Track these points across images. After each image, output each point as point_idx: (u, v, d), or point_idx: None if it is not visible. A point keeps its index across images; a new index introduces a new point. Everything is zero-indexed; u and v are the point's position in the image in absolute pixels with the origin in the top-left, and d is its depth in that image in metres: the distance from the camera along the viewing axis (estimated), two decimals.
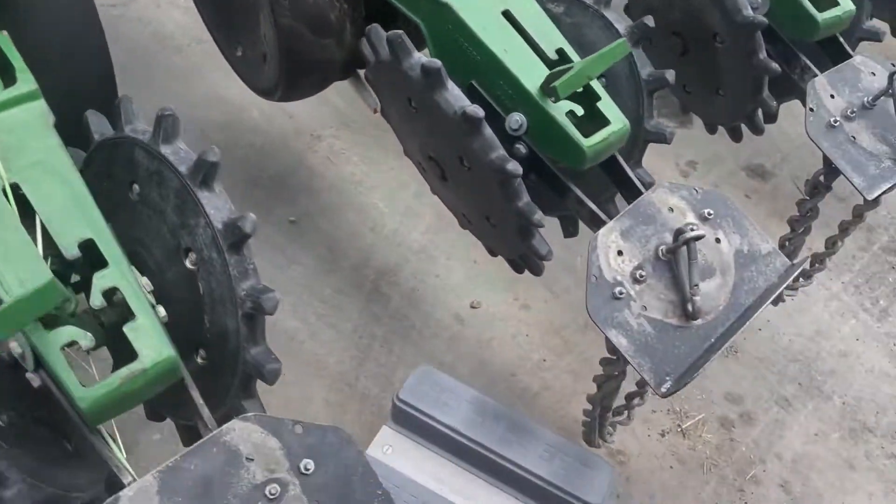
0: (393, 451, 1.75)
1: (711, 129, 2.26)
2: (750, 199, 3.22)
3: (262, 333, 1.28)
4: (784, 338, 2.71)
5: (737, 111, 2.08)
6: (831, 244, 2.32)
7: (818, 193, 1.96)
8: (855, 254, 3.01)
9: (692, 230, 1.55)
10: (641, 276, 1.59)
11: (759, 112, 2.05)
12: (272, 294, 1.23)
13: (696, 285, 1.55)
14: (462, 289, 2.75)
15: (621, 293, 1.56)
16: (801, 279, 2.43)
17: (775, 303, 2.42)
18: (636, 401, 2.13)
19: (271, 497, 1.16)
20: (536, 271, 1.82)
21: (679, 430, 2.44)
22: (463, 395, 1.76)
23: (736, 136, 2.19)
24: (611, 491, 1.67)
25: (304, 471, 1.19)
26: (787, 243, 2.09)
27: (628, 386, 2.15)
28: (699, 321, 1.59)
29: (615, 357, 1.64)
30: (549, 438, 1.71)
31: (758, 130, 2.09)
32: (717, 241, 1.67)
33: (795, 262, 1.62)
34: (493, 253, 2.04)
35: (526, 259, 1.80)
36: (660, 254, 1.62)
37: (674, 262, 1.60)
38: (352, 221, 2.92)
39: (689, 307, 1.56)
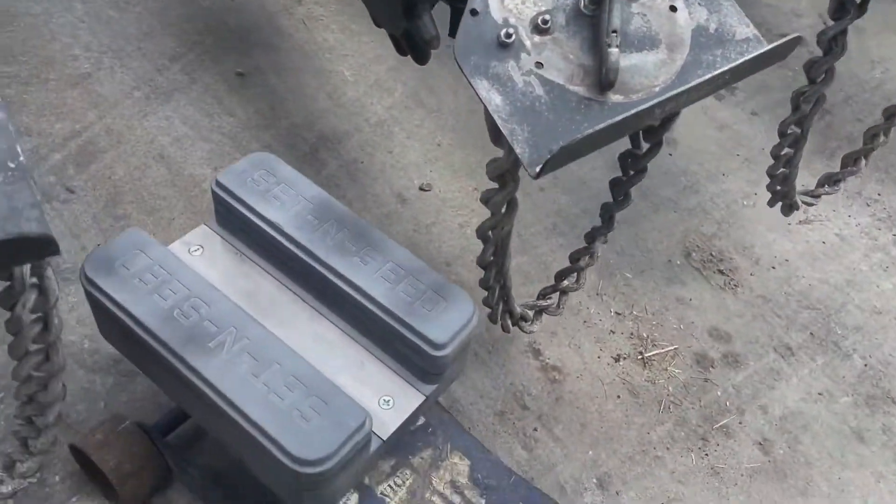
0: (202, 254, 1.31)
1: None
2: None
3: None
4: (802, 281, 2.14)
5: None
6: (870, 137, 1.76)
7: (845, 14, 1.42)
8: None
9: None
10: (546, 23, 1.11)
11: None
12: None
13: (615, 32, 1.06)
14: (415, 169, 2.31)
15: (509, 37, 1.09)
16: (825, 186, 1.87)
17: (787, 212, 1.87)
18: (567, 281, 1.63)
19: None
20: (421, 58, 1.37)
21: (640, 357, 1.91)
22: (304, 192, 1.31)
23: None
24: (468, 334, 1.18)
25: None
26: (800, 99, 1.56)
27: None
28: (618, 97, 1.09)
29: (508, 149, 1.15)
30: (402, 258, 1.23)
31: None
32: (673, 9, 1.17)
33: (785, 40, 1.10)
34: (377, 23, 1.61)
35: (410, 34, 1.34)
36: (583, 5, 1.14)
37: (600, 17, 1.11)
38: (308, 84, 2.51)
39: (603, 67, 1.07)
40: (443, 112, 2.49)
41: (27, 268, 0.92)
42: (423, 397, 1.18)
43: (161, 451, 1.45)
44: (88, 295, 1.14)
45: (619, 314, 2.00)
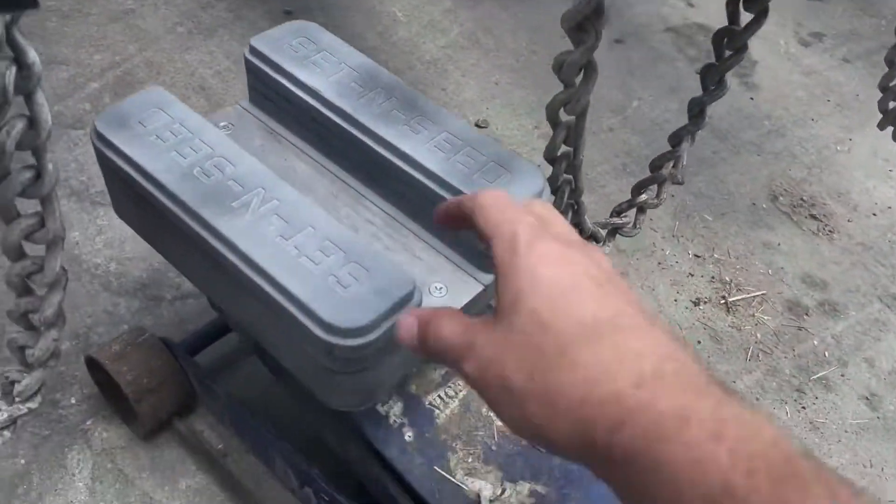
0: (232, 132, 1.16)
1: None
2: None
3: None
4: None
5: None
6: None
7: None
8: None
9: None
10: None
11: None
12: None
13: None
14: (470, 106, 2.13)
15: None
16: None
17: None
18: (645, 195, 1.43)
19: None
20: None
21: (723, 302, 1.68)
22: (347, 59, 1.14)
23: None
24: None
25: None
26: None
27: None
28: None
29: None
30: (460, 129, 1.05)
31: None
32: None
33: None
34: None
35: None
36: None
37: None
38: (357, 23, 2.37)
39: None
40: (501, 52, 2.31)
41: (10, 81, 0.77)
42: (482, 287, 0.99)
43: (184, 369, 1.29)
44: (99, 156, 0.99)
45: (699, 257, 1.78)
